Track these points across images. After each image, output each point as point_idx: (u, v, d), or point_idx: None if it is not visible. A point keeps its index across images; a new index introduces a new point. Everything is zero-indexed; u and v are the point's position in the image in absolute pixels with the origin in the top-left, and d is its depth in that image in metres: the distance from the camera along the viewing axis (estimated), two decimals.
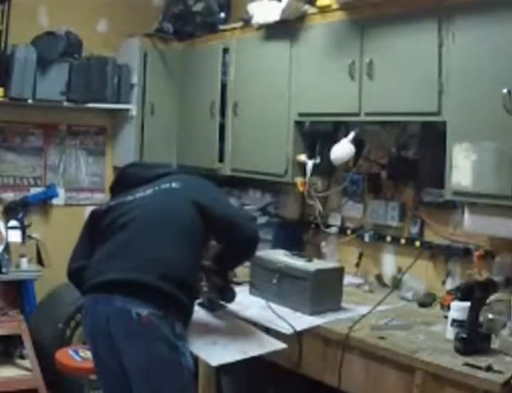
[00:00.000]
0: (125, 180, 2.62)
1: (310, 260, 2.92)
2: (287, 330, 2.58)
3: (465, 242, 2.94)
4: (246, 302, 2.88)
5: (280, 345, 2.52)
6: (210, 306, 2.72)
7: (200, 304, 2.69)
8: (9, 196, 4.20)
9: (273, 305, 2.79)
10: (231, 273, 2.71)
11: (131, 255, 2.28)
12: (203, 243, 2.48)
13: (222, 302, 2.74)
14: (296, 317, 2.71)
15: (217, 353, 2.42)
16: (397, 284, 3.14)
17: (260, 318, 2.70)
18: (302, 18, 3.38)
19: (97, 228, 2.45)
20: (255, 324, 2.68)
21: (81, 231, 2.55)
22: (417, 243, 3.15)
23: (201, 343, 2.45)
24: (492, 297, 2.46)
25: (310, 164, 3.38)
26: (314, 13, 3.33)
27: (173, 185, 2.48)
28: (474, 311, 2.30)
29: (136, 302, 2.18)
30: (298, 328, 2.60)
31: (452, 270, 3.03)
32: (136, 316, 2.17)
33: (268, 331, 2.62)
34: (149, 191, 2.47)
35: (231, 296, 2.70)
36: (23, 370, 3.78)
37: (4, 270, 3.85)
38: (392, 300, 2.92)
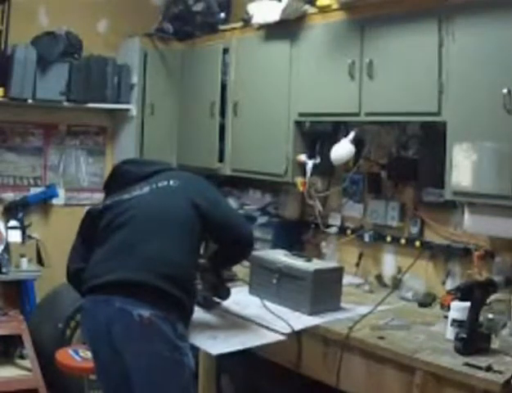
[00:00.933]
0: (120, 177, 2.58)
1: (309, 260, 2.92)
2: (285, 329, 2.58)
3: (465, 242, 2.94)
4: (245, 302, 2.89)
5: (278, 337, 2.52)
6: (205, 304, 2.73)
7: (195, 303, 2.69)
8: (9, 196, 4.20)
9: (273, 305, 2.80)
10: (226, 271, 2.72)
11: (130, 255, 2.27)
12: (201, 242, 2.48)
13: (217, 300, 2.74)
14: (295, 317, 2.71)
15: (217, 344, 2.43)
16: (397, 284, 3.14)
17: (259, 317, 2.70)
18: (302, 18, 3.38)
19: (94, 228, 2.42)
20: (255, 324, 2.68)
21: (77, 231, 2.53)
22: (417, 243, 3.15)
23: (202, 337, 2.47)
24: (492, 297, 2.46)
25: (310, 164, 3.38)
26: (314, 13, 3.33)
27: (171, 183, 2.46)
28: (474, 311, 2.30)
29: (136, 303, 2.18)
30: (296, 328, 2.60)
31: (452, 270, 3.03)
32: (138, 317, 2.16)
33: (268, 330, 2.62)
34: (146, 189, 2.44)
35: (225, 294, 2.71)
36: (23, 370, 3.77)
37: (4, 270, 3.85)
38: (392, 300, 2.92)
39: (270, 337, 2.53)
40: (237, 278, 3.17)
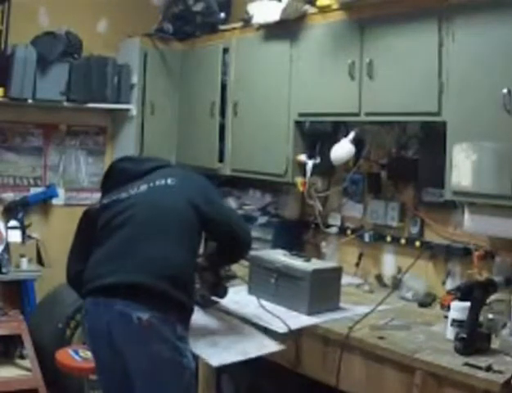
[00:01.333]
0: (117, 175, 2.54)
1: (308, 260, 2.92)
2: (282, 329, 2.58)
3: (465, 242, 2.94)
4: (244, 301, 2.89)
5: (278, 347, 2.53)
6: (203, 303, 2.72)
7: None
8: (9, 196, 4.20)
9: (271, 305, 2.80)
10: (223, 269, 2.72)
11: (129, 256, 2.26)
12: (199, 241, 2.48)
13: (215, 298, 2.74)
14: (293, 316, 2.70)
15: (217, 354, 2.42)
16: (397, 284, 3.14)
17: (256, 316, 2.70)
18: (302, 18, 3.38)
19: (92, 228, 2.40)
20: (253, 324, 2.68)
21: (76, 232, 2.51)
22: (417, 243, 3.15)
23: (202, 344, 2.46)
24: (492, 297, 2.45)
25: (310, 164, 3.38)
26: (314, 13, 3.33)
27: (169, 182, 2.43)
28: (474, 311, 2.30)
29: (136, 305, 2.17)
30: (293, 327, 2.60)
31: (452, 270, 3.03)
32: (137, 320, 2.15)
33: (266, 330, 2.62)
34: (143, 188, 2.41)
35: (223, 292, 2.72)
36: (23, 370, 3.77)
37: (4, 270, 3.85)
38: (392, 300, 2.91)
39: (270, 347, 2.53)
40: (236, 277, 3.17)
